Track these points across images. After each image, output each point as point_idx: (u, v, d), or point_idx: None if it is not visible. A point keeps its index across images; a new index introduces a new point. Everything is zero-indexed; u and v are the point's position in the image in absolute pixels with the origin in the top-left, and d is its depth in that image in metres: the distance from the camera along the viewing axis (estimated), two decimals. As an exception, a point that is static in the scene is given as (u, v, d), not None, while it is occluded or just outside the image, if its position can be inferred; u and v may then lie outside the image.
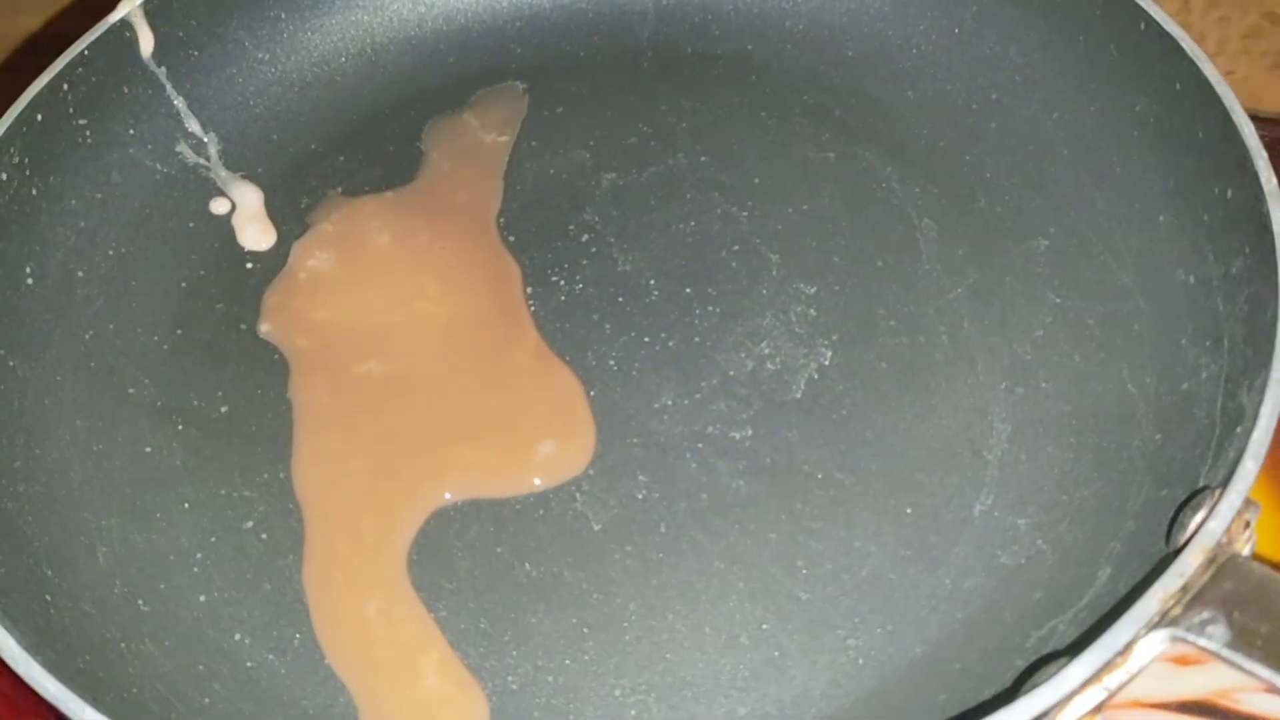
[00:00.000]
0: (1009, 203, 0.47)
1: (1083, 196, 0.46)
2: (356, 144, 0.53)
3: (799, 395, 0.44)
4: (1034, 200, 0.47)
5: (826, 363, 0.44)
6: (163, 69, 0.51)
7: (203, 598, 0.41)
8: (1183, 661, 0.42)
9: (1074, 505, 0.40)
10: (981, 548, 0.40)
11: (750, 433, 0.43)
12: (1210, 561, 0.30)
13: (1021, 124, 0.49)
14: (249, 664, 0.40)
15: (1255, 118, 0.62)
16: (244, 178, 0.52)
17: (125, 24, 0.50)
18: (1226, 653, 0.29)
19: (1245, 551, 0.32)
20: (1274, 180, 0.37)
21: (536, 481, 0.43)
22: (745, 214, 0.49)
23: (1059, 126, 0.47)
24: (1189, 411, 0.38)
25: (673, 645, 0.39)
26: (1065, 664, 0.30)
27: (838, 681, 0.38)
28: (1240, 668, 0.28)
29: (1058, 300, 0.44)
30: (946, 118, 0.50)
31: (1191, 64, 0.41)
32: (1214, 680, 0.42)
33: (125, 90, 0.51)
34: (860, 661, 0.38)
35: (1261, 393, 0.34)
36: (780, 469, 0.42)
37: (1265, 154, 0.37)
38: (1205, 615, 0.29)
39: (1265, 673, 0.28)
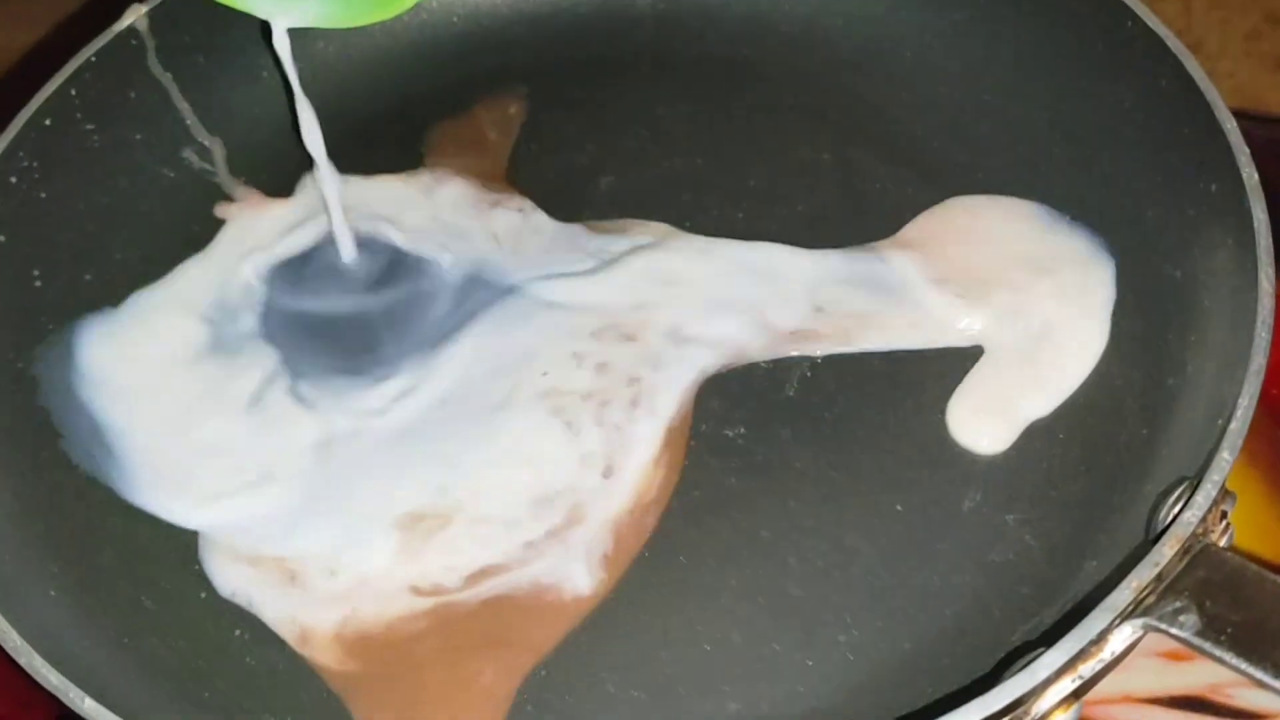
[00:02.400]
0: (1002, 202, 0.48)
1: (1073, 194, 0.46)
2: (358, 149, 0.53)
3: (791, 394, 0.44)
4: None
5: (819, 360, 0.45)
6: (168, 75, 0.52)
7: (203, 594, 0.42)
8: (1174, 656, 0.42)
9: (1061, 500, 0.40)
10: (970, 544, 0.40)
11: (743, 430, 0.43)
12: (1185, 551, 0.31)
13: (1014, 124, 0.49)
14: (249, 660, 0.40)
15: (1254, 117, 0.63)
16: (247, 183, 0.53)
17: (132, 31, 0.50)
18: (1196, 641, 0.29)
19: (1222, 543, 0.32)
20: (1255, 175, 0.38)
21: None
22: (741, 215, 0.49)
23: (1050, 126, 0.48)
24: (1173, 406, 0.39)
25: (665, 643, 0.39)
26: (1040, 653, 0.30)
27: (829, 677, 0.38)
28: (1210, 655, 0.29)
29: (1049, 297, 0.45)
30: (940, 119, 0.50)
31: (1176, 60, 0.41)
32: (1206, 675, 0.42)
33: (132, 95, 0.51)
34: (851, 657, 0.38)
35: (1240, 385, 0.34)
36: (773, 467, 0.42)
37: (1247, 149, 0.38)
38: (1178, 604, 0.30)
39: (1233, 660, 0.28)
